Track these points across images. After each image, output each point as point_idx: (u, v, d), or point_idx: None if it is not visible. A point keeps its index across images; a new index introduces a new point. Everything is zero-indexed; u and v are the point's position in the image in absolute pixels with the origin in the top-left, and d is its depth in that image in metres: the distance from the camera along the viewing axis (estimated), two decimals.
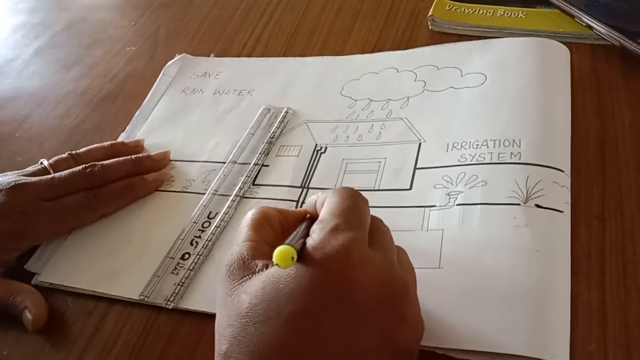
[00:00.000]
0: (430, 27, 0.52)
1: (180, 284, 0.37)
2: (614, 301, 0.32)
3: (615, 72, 0.44)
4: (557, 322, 0.31)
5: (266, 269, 0.27)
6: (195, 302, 0.37)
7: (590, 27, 0.46)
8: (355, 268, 0.25)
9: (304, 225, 0.30)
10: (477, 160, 0.38)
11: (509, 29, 0.49)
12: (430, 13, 0.52)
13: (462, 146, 0.40)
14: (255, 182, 0.43)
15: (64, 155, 0.45)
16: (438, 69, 0.47)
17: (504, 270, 0.33)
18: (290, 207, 0.40)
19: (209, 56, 0.56)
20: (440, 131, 0.42)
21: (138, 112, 0.52)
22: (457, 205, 0.37)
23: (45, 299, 0.39)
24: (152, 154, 0.46)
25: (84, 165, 0.43)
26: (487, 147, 0.39)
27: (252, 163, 0.44)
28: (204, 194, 0.43)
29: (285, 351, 0.24)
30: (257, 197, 0.42)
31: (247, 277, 0.27)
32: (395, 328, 0.26)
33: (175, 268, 0.38)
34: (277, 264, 0.25)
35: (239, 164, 0.44)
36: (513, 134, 0.39)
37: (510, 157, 0.37)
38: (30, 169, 0.44)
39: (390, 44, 0.52)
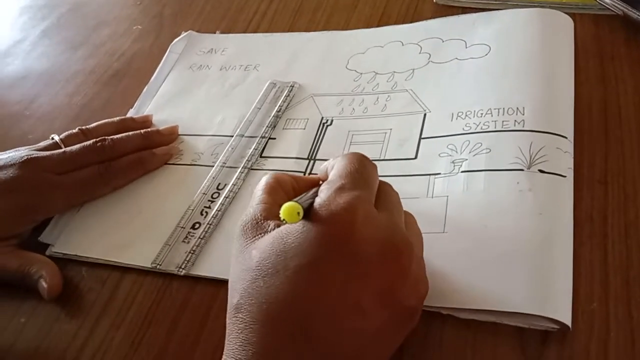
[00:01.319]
0: (434, 0, 0.52)
1: (192, 252, 0.38)
2: (615, 261, 0.33)
3: (619, 41, 0.45)
4: (560, 282, 0.31)
5: (277, 228, 0.28)
6: (206, 269, 0.38)
7: None
8: (359, 224, 0.26)
9: (314, 189, 0.31)
10: (481, 128, 0.39)
11: (513, 1, 0.49)
12: None
13: (466, 115, 0.40)
14: (263, 155, 0.44)
15: (74, 131, 0.45)
16: (443, 41, 0.47)
17: (507, 233, 0.33)
18: None
19: (214, 33, 0.57)
20: (445, 101, 0.42)
21: (146, 89, 0.52)
22: (462, 172, 0.37)
23: (59, 268, 0.40)
24: (160, 128, 0.47)
25: (94, 140, 0.44)
26: (492, 116, 0.39)
27: (260, 136, 0.45)
28: (213, 166, 0.43)
29: (291, 301, 0.25)
30: (264, 168, 0.42)
31: (259, 235, 0.28)
32: (396, 283, 0.27)
33: (187, 237, 0.39)
34: (284, 219, 0.26)
35: (246, 137, 0.45)
36: (517, 102, 0.39)
37: (514, 125, 0.38)
38: (42, 144, 0.44)
39: (395, 19, 0.53)
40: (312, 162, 0.42)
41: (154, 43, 0.58)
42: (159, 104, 0.51)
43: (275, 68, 0.50)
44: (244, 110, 0.47)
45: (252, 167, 0.43)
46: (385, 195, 0.30)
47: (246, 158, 0.43)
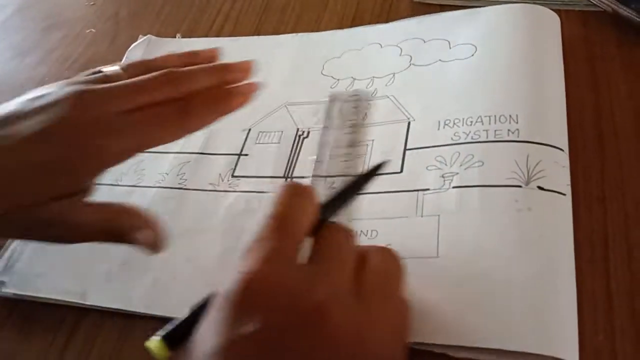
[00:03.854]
0: None
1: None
2: (619, 288, 0.31)
3: (609, 41, 0.42)
4: (565, 315, 0.29)
5: None
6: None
7: None
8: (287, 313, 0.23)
9: None
10: (472, 138, 0.36)
11: None
12: None
13: (454, 123, 0.37)
14: (235, 174, 0.40)
15: (135, 61, 0.37)
16: (424, 42, 0.44)
17: (506, 259, 0.31)
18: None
19: (174, 37, 0.52)
20: (430, 108, 0.39)
21: None
22: (453, 187, 0.34)
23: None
24: (234, 62, 0.37)
25: (165, 70, 0.33)
26: (482, 124, 0.36)
27: (229, 153, 0.41)
28: (179, 188, 0.40)
29: None
30: (237, 190, 0.39)
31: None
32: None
33: None
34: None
35: (215, 154, 0.41)
36: (509, 110, 0.36)
37: (508, 135, 0.35)
38: (88, 77, 0.34)
39: (370, 17, 0.49)
40: (288, 180, 0.39)
41: (109, 48, 0.54)
42: None
43: None
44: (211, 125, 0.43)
45: (224, 190, 0.39)
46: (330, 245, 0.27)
47: (215, 178, 0.40)
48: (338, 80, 0.44)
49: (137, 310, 0.34)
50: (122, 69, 0.34)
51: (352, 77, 0.44)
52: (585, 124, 0.38)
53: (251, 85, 0.36)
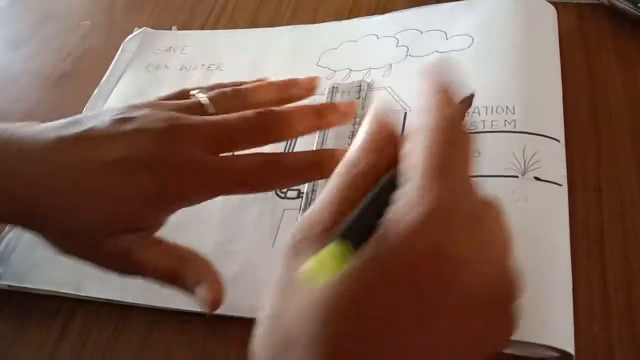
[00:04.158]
0: None
1: None
2: (615, 278, 0.31)
3: (604, 33, 0.42)
4: (560, 305, 0.29)
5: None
6: None
7: None
8: (455, 268, 0.19)
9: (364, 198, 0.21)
10: (469, 128, 0.36)
11: None
12: None
13: None
14: None
15: (226, 89, 0.33)
16: (421, 33, 0.44)
17: None
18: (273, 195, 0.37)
19: (170, 29, 0.52)
20: None
21: (97, 91, 0.48)
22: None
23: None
24: (337, 103, 0.35)
25: (257, 111, 0.30)
26: (479, 115, 0.36)
27: None
28: None
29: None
30: None
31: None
32: (499, 334, 0.21)
33: None
34: (304, 278, 0.19)
35: None
36: (506, 101, 0.36)
37: (505, 125, 0.35)
38: (183, 102, 0.32)
39: (367, 8, 0.49)
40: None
41: (105, 40, 0.53)
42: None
43: (240, 68, 0.46)
44: None
45: None
46: (479, 208, 0.21)
47: None
48: (334, 71, 0.44)
49: (133, 301, 0.34)
50: (213, 99, 0.32)
51: (348, 69, 0.43)
52: (581, 115, 0.38)
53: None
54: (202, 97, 0.32)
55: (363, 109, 0.40)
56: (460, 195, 0.20)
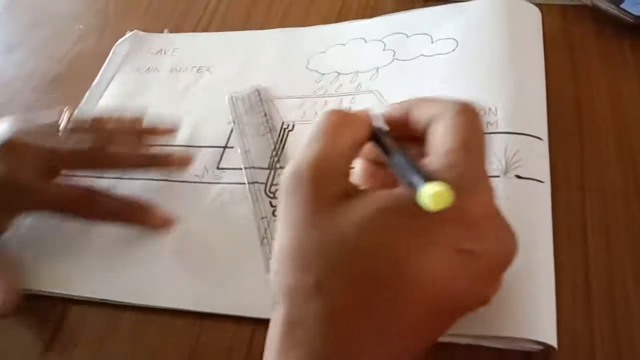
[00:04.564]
0: None
1: None
2: (597, 273, 0.31)
3: (588, 34, 0.43)
4: (543, 299, 0.29)
5: (361, 192, 0.24)
6: None
7: None
8: (488, 220, 0.24)
9: (406, 157, 0.24)
10: None
11: None
12: None
13: None
14: (220, 166, 0.40)
15: (84, 119, 0.40)
16: (407, 37, 0.44)
17: None
18: (259, 189, 0.38)
19: (162, 32, 0.53)
20: None
21: (87, 94, 0.48)
22: None
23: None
24: (173, 154, 0.40)
25: (91, 146, 0.37)
26: None
27: (215, 145, 0.41)
28: (164, 180, 0.40)
29: (391, 292, 0.22)
30: (221, 182, 0.39)
31: (338, 197, 0.23)
32: (497, 280, 0.26)
33: None
34: (429, 206, 0.21)
35: (200, 147, 0.41)
36: (489, 102, 0.37)
37: (487, 127, 0.36)
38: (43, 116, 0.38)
39: (355, 11, 0.50)
40: (273, 171, 0.39)
41: (97, 43, 0.54)
42: (104, 110, 0.47)
43: (230, 70, 0.47)
44: (198, 116, 0.43)
45: (209, 181, 0.39)
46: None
47: (201, 171, 0.40)
48: (323, 74, 0.44)
49: (124, 300, 0.35)
50: (72, 127, 0.38)
51: (336, 72, 0.44)
52: (565, 114, 0.38)
53: (168, 220, 0.37)
54: (63, 120, 0.38)
55: (266, 115, 0.41)
56: (485, 157, 0.25)
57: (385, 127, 0.28)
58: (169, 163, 0.39)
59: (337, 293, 0.22)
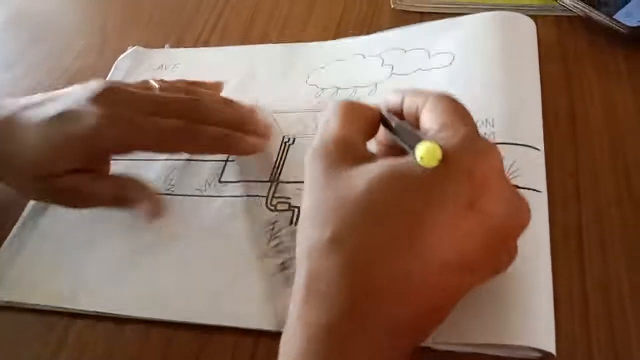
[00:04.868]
0: (392, 6, 0.50)
1: None
2: (594, 280, 0.32)
3: (582, 44, 0.44)
4: (542, 307, 0.30)
5: (373, 158, 0.26)
6: None
7: None
8: (495, 179, 0.25)
9: (403, 124, 0.28)
10: None
11: (473, 4, 0.48)
12: None
13: None
14: (222, 180, 0.41)
15: (154, 82, 0.40)
16: (405, 52, 0.45)
17: None
18: (260, 202, 0.38)
19: (163, 47, 0.53)
20: None
21: None
22: None
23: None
24: (258, 121, 0.40)
25: (190, 97, 0.38)
26: None
27: (217, 159, 0.42)
28: (167, 194, 0.40)
29: (406, 246, 0.23)
30: (223, 195, 0.40)
31: (352, 161, 0.26)
32: (507, 246, 0.27)
33: None
34: (422, 163, 0.24)
35: (203, 160, 0.42)
36: (486, 114, 0.37)
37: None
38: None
39: (353, 28, 0.50)
40: (275, 184, 0.40)
41: (98, 59, 0.54)
42: None
43: (231, 85, 0.47)
44: None
45: (211, 195, 0.40)
46: None
47: (203, 184, 0.40)
48: (323, 89, 0.45)
49: (128, 314, 0.35)
50: (161, 86, 0.39)
51: (336, 87, 0.45)
52: (560, 124, 0.39)
53: (261, 144, 0.39)
54: (152, 82, 0.40)
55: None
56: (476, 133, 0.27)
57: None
58: (253, 126, 0.39)
59: (352, 247, 0.24)
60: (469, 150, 0.25)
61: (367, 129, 0.29)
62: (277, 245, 0.36)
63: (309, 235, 0.25)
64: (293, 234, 0.36)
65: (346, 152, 0.26)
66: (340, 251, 0.24)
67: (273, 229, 0.37)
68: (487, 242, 0.25)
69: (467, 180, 0.24)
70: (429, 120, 0.27)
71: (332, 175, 0.26)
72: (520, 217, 0.27)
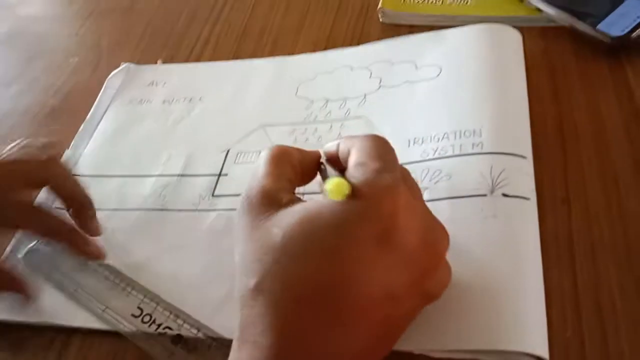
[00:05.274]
0: (381, 20, 0.51)
1: None
2: (585, 285, 0.32)
3: (568, 54, 0.45)
4: (534, 312, 0.30)
5: (292, 204, 0.27)
6: None
7: (540, 10, 0.47)
8: (402, 209, 0.26)
9: (330, 168, 0.30)
10: (439, 154, 0.38)
11: (460, 17, 0.48)
12: (380, 5, 0.51)
13: (423, 141, 0.39)
14: (215, 194, 0.41)
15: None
16: (392, 64, 0.46)
17: (476, 264, 0.32)
18: None
19: (156, 63, 0.54)
20: (400, 127, 0.41)
21: (82, 127, 0.49)
22: (426, 201, 0.36)
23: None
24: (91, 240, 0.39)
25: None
26: (449, 140, 0.38)
27: (209, 174, 0.42)
28: (160, 210, 0.41)
29: (324, 284, 0.25)
30: (217, 209, 0.40)
31: (273, 210, 0.27)
32: (430, 273, 0.27)
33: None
34: (329, 196, 0.25)
35: (196, 175, 0.42)
36: (473, 124, 0.38)
37: (472, 148, 0.37)
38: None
39: (342, 40, 0.51)
40: None
41: (92, 76, 0.55)
42: (98, 143, 0.47)
43: (222, 99, 0.48)
44: (191, 146, 0.44)
45: (204, 209, 0.40)
46: (411, 182, 0.30)
47: (196, 199, 0.41)
48: (312, 101, 0.46)
49: (125, 328, 0.35)
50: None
51: (325, 98, 0.45)
52: (548, 132, 0.40)
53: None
54: None
55: None
56: (395, 168, 0.27)
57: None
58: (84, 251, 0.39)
59: (274, 294, 0.25)
60: (376, 185, 0.25)
61: (295, 175, 0.30)
62: None
63: (240, 286, 0.26)
64: None
65: (269, 202, 0.27)
66: (264, 299, 0.25)
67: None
68: (408, 272, 0.26)
69: (376, 215, 0.25)
70: (351, 160, 0.28)
71: (255, 226, 0.27)
72: (437, 245, 0.28)
